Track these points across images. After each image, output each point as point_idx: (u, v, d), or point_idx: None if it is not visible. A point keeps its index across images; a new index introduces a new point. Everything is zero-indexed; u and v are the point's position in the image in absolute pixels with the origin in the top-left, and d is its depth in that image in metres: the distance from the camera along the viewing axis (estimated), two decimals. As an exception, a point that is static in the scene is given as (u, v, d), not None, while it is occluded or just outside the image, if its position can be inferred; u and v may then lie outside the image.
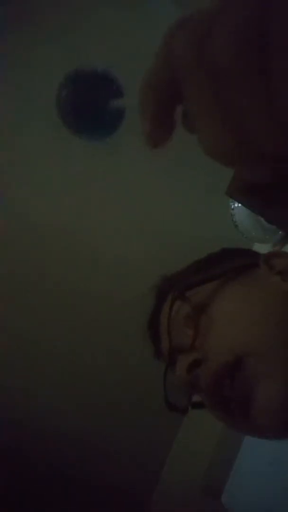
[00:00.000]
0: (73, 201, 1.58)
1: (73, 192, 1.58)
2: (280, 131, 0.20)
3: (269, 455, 1.12)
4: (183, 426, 1.58)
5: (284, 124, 0.20)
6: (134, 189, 1.63)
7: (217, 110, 0.21)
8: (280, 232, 1.33)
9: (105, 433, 1.53)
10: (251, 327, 0.46)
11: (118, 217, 1.61)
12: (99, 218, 1.60)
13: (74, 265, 1.55)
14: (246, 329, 0.46)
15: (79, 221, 1.57)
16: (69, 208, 1.57)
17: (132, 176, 1.64)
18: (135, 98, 0.28)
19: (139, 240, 1.60)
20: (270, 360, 0.43)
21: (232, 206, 1.40)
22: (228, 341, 0.46)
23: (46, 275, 1.53)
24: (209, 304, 0.51)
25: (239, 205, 1.34)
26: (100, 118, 0.34)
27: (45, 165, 1.57)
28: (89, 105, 0.33)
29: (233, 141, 0.22)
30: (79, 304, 1.55)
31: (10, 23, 1.54)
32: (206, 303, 0.52)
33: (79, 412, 1.51)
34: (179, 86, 0.23)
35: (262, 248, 1.37)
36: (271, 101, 0.19)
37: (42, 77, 1.59)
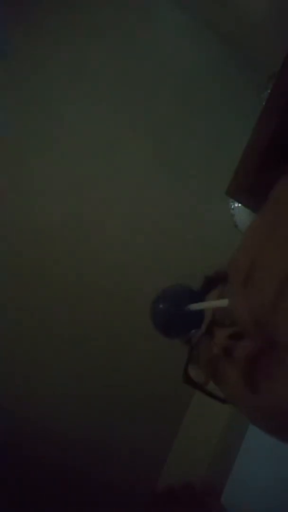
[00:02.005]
0: (75, 201, 1.58)
1: (75, 192, 1.58)
2: None
3: (269, 456, 1.12)
4: (183, 427, 1.58)
5: None
6: (135, 190, 1.63)
7: None
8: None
9: (105, 433, 1.53)
10: None
11: (119, 217, 1.61)
12: (100, 218, 1.60)
13: (76, 266, 1.55)
14: None
15: (81, 221, 1.58)
16: (72, 208, 1.57)
17: (133, 177, 1.64)
18: None
19: (140, 239, 1.61)
20: None
21: (232, 206, 1.41)
22: None
23: (48, 274, 1.53)
24: None
25: (239, 205, 1.34)
26: (185, 323, 0.45)
27: (47, 166, 1.57)
28: (175, 317, 0.44)
29: None
30: (79, 304, 1.55)
31: (10, 23, 1.54)
32: None
33: (80, 412, 1.51)
34: None
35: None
36: None
37: (42, 77, 1.59)
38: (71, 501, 1.48)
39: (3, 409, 1.41)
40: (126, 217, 1.62)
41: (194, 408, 1.57)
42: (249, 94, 1.68)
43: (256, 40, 1.68)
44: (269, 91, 1.68)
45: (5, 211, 1.51)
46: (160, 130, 1.67)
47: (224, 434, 1.36)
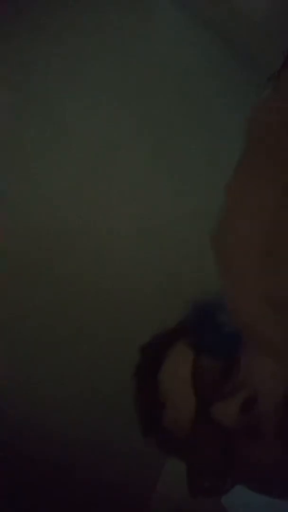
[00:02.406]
0: (76, 201, 1.58)
1: (76, 192, 1.58)
2: None
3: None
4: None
5: None
6: (136, 190, 1.63)
7: None
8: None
9: (105, 432, 1.53)
10: None
11: (120, 218, 1.61)
12: (101, 218, 1.60)
13: (77, 265, 1.55)
14: None
15: (82, 220, 1.58)
16: (72, 208, 1.57)
17: (134, 177, 1.64)
18: None
19: (141, 239, 1.60)
20: None
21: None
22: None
23: (48, 274, 1.53)
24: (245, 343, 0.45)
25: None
26: (218, 339, 0.41)
27: (47, 166, 1.57)
28: (208, 329, 0.42)
29: None
30: (80, 304, 1.55)
31: (10, 23, 1.54)
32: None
33: (80, 412, 1.51)
34: None
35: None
36: None
37: (42, 77, 1.59)
38: (71, 501, 1.48)
39: (3, 408, 1.41)
40: (126, 217, 1.62)
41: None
42: (249, 94, 1.68)
43: (256, 40, 1.68)
44: (269, 91, 1.68)
45: (6, 211, 1.51)
46: (160, 130, 1.67)
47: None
